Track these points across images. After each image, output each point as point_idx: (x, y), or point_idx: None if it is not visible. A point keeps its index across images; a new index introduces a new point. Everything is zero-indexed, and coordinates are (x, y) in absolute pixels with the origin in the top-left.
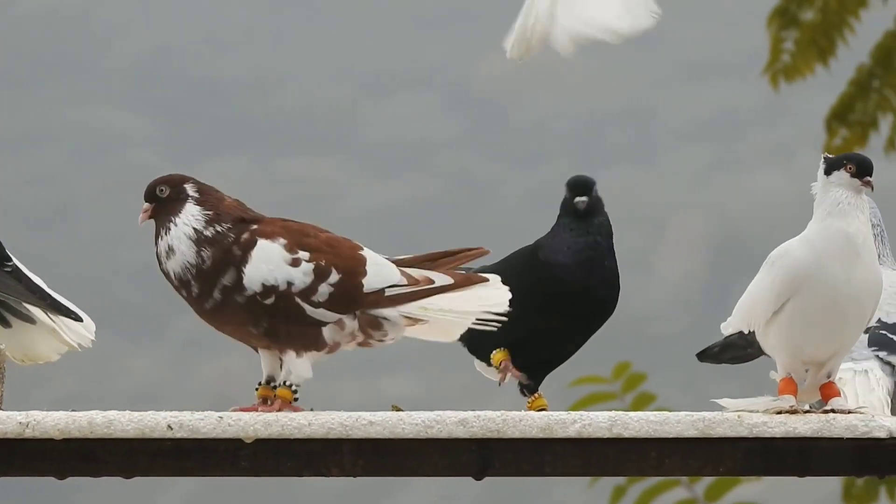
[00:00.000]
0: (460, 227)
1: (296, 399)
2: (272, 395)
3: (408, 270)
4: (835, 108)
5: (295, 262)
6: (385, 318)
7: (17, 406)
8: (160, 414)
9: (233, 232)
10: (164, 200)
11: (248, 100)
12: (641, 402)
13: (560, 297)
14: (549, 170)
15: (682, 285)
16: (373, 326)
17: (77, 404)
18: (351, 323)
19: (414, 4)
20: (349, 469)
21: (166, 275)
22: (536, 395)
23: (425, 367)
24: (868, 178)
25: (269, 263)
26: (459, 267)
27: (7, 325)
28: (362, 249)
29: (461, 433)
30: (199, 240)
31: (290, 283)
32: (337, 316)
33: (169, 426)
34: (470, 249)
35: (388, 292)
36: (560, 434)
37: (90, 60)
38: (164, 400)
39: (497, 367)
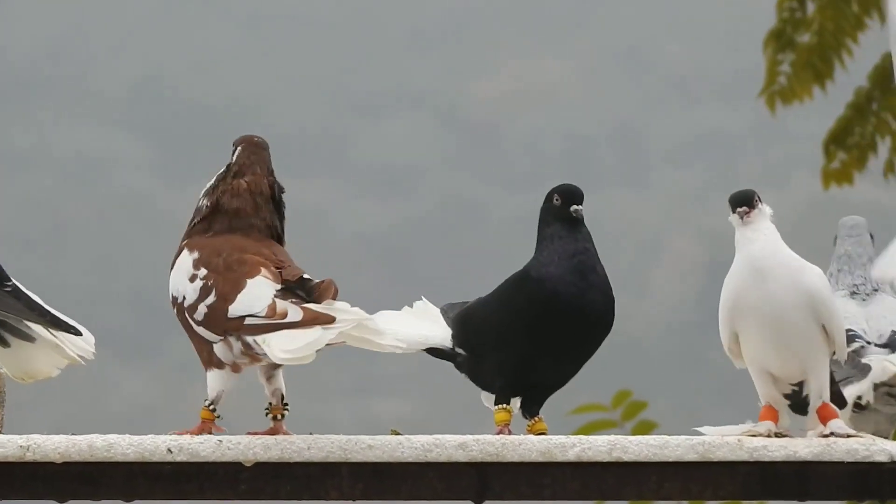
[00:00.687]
0: (451, 250)
1: (217, 417)
2: (278, 413)
3: (279, 304)
4: (833, 131)
5: (192, 278)
6: (251, 345)
7: (15, 429)
8: (160, 437)
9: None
10: None
11: (238, 122)
12: (642, 430)
13: (555, 312)
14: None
15: (677, 307)
16: (247, 349)
17: (74, 427)
18: (236, 344)
19: (405, 26)
20: (348, 493)
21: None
22: (537, 418)
23: (424, 390)
24: None
25: (177, 274)
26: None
27: (6, 344)
28: (254, 276)
29: (460, 457)
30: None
31: (184, 298)
32: (218, 336)
33: (169, 449)
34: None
35: (248, 321)
36: (559, 458)
37: (82, 83)
38: (160, 422)
39: (496, 425)
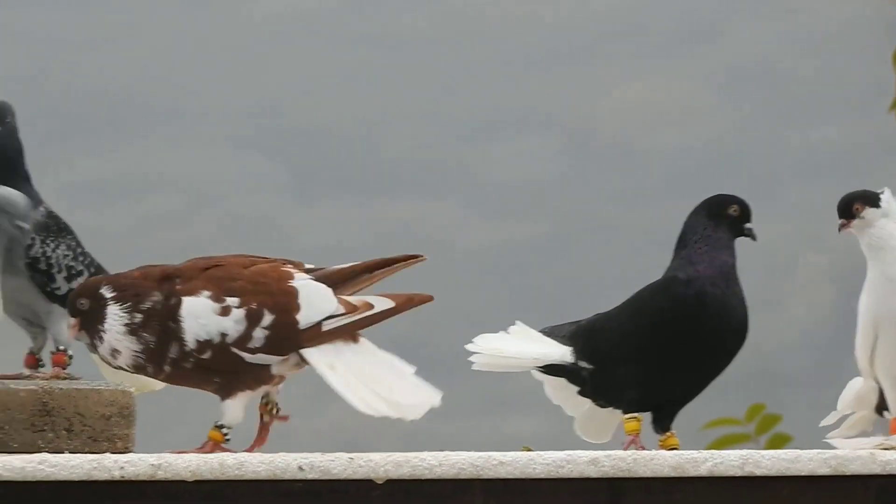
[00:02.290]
0: (576, 269)
1: (227, 440)
2: (272, 416)
3: (347, 298)
4: None
5: (225, 311)
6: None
7: (146, 447)
8: (291, 455)
9: (161, 295)
10: (87, 312)
11: (362, 143)
12: (776, 444)
13: (701, 313)
14: (666, 209)
15: (811, 325)
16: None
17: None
18: (294, 356)
19: (529, 44)
20: None
21: (121, 368)
22: (669, 433)
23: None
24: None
25: (198, 319)
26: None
27: None
28: (293, 278)
29: (592, 472)
30: (134, 328)
31: (224, 335)
32: (278, 358)
33: (300, 467)
34: (409, 257)
35: (326, 325)
36: (691, 473)
37: (207, 105)
38: (293, 441)
39: (627, 434)
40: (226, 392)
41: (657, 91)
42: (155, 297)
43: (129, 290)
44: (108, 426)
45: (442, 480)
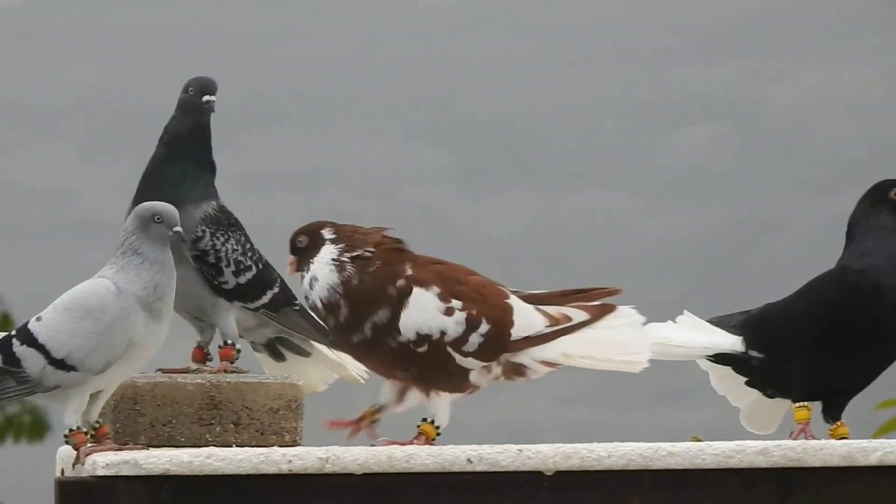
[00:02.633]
0: (750, 260)
1: (438, 434)
2: (370, 419)
3: (546, 308)
4: None
5: (448, 312)
6: (526, 366)
7: (314, 441)
8: (459, 448)
9: (375, 257)
10: (304, 250)
11: (536, 134)
12: None
13: (875, 303)
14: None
15: None
16: (515, 371)
17: (376, 440)
18: (496, 368)
19: (703, 32)
20: (650, 500)
21: (314, 308)
22: (838, 422)
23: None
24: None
25: (423, 312)
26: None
27: (282, 358)
28: (509, 297)
29: (761, 462)
30: (340, 264)
31: (443, 333)
32: (483, 363)
33: (468, 459)
34: (603, 288)
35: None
36: (861, 462)
37: (382, 99)
38: (460, 434)
39: (797, 423)
40: (422, 385)
41: (831, 79)
42: (370, 251)
43: (347, 235)
44: (275, 419)
45: (611, 472)
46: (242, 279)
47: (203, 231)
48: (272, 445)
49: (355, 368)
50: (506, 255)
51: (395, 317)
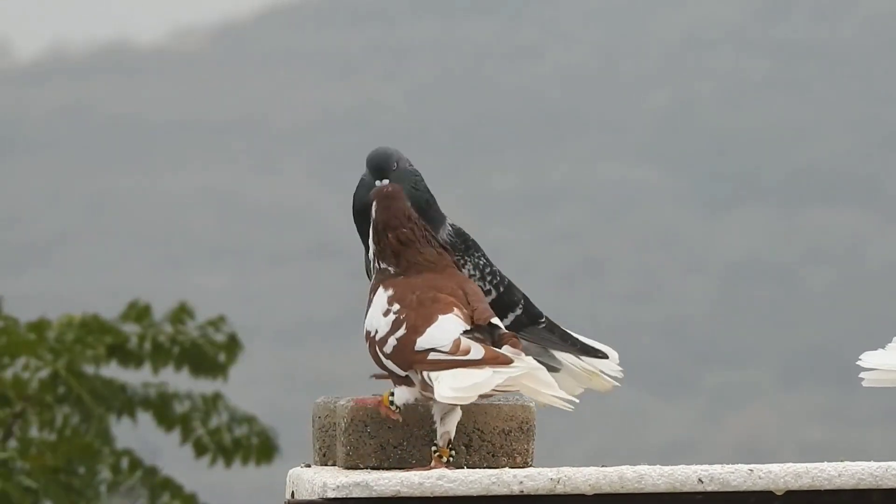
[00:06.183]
0: None
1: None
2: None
3: (462, 339)
4: None
5: (385, 313)
6: (427, 382)
7: (546, 461)
8: (691, 468)
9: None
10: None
11: (768, 150)
12: None
13: None
14: None
15: None
16: (425, 388)
17: (607, 459)
18: (416, 378)
19: None
20: None
21: None
22: None
23: None
24: None
25: (373, 310)
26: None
27: None
28: (448, 313)
29: None
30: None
31: (376, 331)
32: (403, 371)
33: (700, 479)
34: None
35: (432, 356)
36: None
37: (616, 116)
38: (693, 453)
39: None
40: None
41: None
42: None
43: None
44: (507, 441)
45: (841, 491)
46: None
47: (469, 260)
48: (503, 467)
49: (609, 374)
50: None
51: (366, 312)
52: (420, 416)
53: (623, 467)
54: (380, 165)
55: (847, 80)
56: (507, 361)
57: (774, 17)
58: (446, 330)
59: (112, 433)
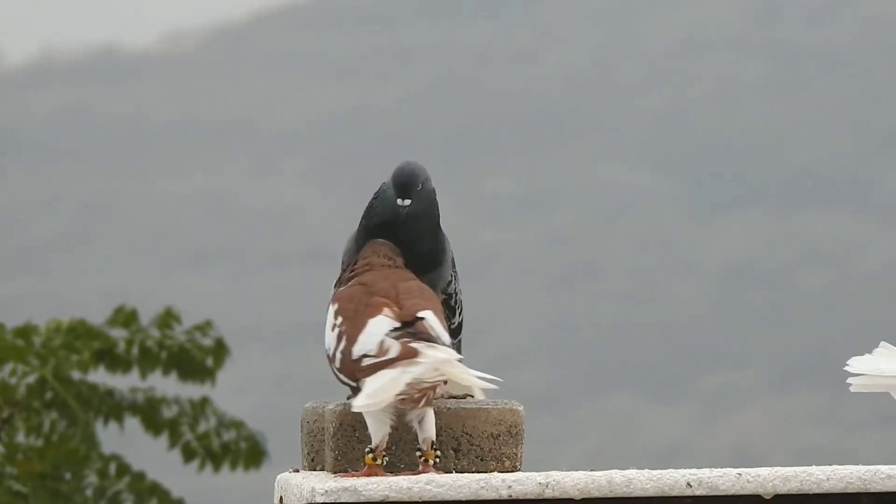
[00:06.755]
0: None
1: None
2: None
3: (386, 340)
4: None
5: (332, 328)
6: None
7: (535, 466)
8: (679, 472)
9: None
10: None
11: (765, 153)
12: None
13: None
14: None
15: None
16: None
17: (601, 463)
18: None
19: None
20: None
21: None
22: None
23: None
24: None
25: (327, 327)
26: None
27: None
28: (377, 315)
29: None
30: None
31: (329, 348)
32: (354, 383)
33: (688, 483)
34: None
35: (365, 361)
36: None
37: (611, 119)
38: (688, 457)
39: None
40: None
41: None
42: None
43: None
44: (496, 445)
45: (830, 495)
46: (460, 318)
47: (452, 274)
48: (492, 471)
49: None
50: (760, 278)
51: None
52: (409, 421)
53: (612, 471)
54: (405, 184)
55: (843, 82)
56: (412, 355)
57: (771, 20)
58: (373, 333)
59: (99, 438)
